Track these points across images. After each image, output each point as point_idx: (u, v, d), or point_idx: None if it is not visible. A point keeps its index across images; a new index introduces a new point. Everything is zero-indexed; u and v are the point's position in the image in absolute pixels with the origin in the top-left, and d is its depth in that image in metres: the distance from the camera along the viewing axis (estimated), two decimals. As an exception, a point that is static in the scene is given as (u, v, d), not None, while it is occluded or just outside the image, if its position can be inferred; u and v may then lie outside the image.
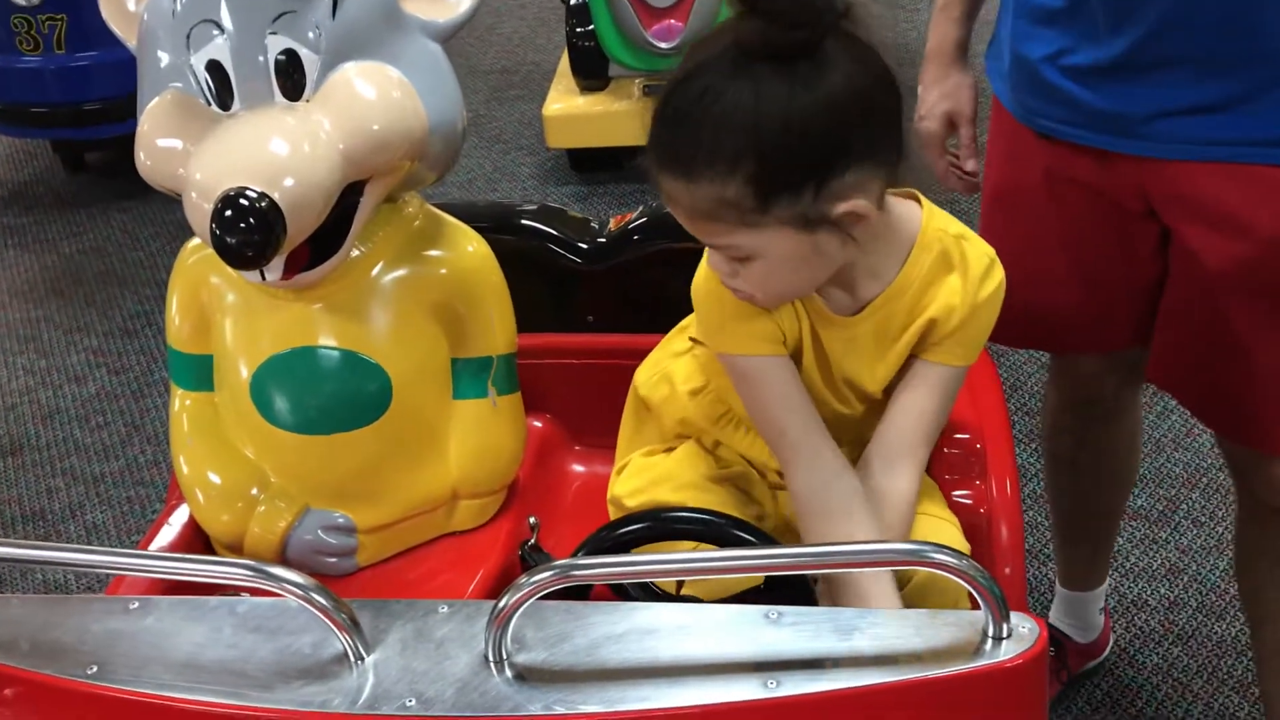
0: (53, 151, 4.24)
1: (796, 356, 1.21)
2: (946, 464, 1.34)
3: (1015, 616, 0.83)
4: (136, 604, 0.94)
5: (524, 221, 1.63)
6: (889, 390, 1.23)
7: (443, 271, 1.32)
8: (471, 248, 1.35)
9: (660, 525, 1.05)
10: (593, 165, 3.74)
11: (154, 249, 3.71)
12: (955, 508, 1.30)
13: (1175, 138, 1.31)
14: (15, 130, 4.05)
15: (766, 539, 1.04)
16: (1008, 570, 1.27)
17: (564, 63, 3.86)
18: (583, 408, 1.57)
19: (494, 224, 1.53)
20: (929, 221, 1.18)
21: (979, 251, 1.19)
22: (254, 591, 0.94)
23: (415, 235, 1.31)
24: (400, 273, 1.29)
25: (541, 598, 0.85)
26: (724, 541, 1.03)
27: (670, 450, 1.33)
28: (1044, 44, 1.36)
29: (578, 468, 1.61)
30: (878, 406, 1.24)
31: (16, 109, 3.90)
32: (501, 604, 0.85)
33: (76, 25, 3.71)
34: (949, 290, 1.17)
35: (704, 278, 1.18)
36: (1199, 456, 2.47)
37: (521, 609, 0.84)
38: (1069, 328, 1.55)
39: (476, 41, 5.02)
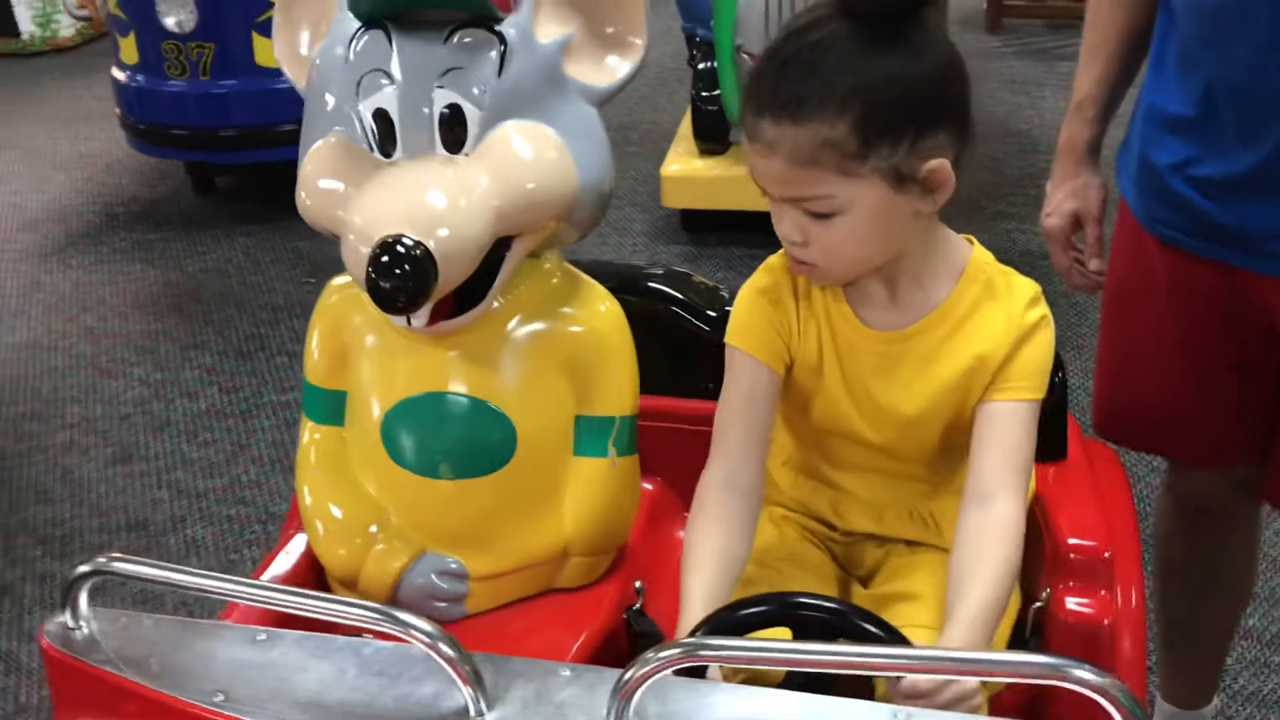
0: (185, 172, 4.41)
1: (816, 375, 1.22)
2: (1070, 570, 1.30)
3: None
4: (264, 635, 0.95)
5: (651, 284, 1.64)
6: (949, 438, 1.22)
7: (576, 329, 1.33)
8: (604, 307, 1.36)
9: (785, 610, 1.03)
10: (704, 227, 3.77)
11: (273, 274, 3.82)
12: (1074, 617, 1.26)
13: None
14: (153, 150, 4.23)
15: (894, 633, 1.02)
16: (1128, 685, 1.22)
17: (685, 125, 3.91)
18: (695, 474, 1.56)
19: (621, 284, 1.55)
20: (978, 255, 1.22)
21: (1023, 283, 1.21)
22: (378, 634, 0.95)
23: (553, 291, 1.33)
24: (535, 327, 1.31)
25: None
26: (849, 633, 1.01)
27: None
28: (1171, 152, 1.36)
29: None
30: (914, 438, 1.23)
31: (157, 129, 4.08)
32: (627, 676, 0.84)
33: (223, 54, 3.88)
34: (993, 320, 1.18)
35: (752, 283, 1.25)
36: (1317, 578, 2.36)
37: (648, 683, 0.84)
38: (1185, 436, 1.52)
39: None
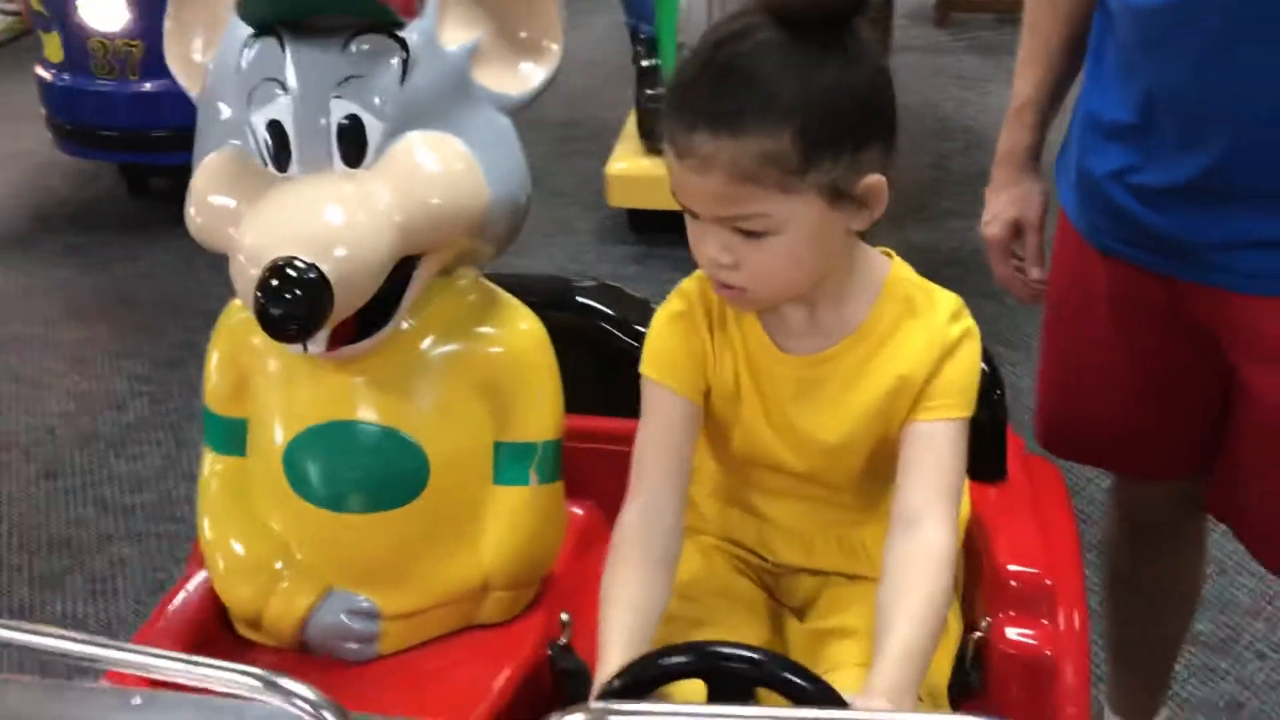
0: (118, 174, 4.28)
1: (734, 403, 1.17)
2: (1010, 599, 1.25)
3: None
4: (139, 699, 0.88)
5: (580, 299, 1.57)
6: (874, 465, 1.17)
7: (493, 350, 1.27)
8: (525, 326, 1.29)
9: (705, 660, 0.97)
10: (652, 226, 3.71)
11: (207, 279, 3.71)
12: (1015, 647, 1.21)
13: (1242, 270, 1.24)
14: (83, 151, 4.10)
15: (819, 684, 0.96)
16: (1071, 713, 1.18)
17: (631, 123, 3.85)
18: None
19: (548, 298, 1.48)
20: (897, 271, 1.16)
21: (945, 297, 1.16)
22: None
23: (467, 310, 1.26)
24: (449, 349, 1.24)
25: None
26: (773, 685, 0.95)
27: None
28: (1110, 159, 1.31)
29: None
30: (839, 465, 1.18)
31: (86, 130, 3.95)
32: None
33: (153, 53, 3.75)
34: (914, 338, 1.12)
35: (666, 309, 1.19)
36: (1264, 583, 2.34)
37: None
38: (1131, 449, 1.48)
39: (543, 94, 5.04)
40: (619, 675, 0.98)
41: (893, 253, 1.18)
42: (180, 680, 0.83)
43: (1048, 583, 1.24)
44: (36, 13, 3.98)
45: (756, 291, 1.08)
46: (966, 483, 1.28)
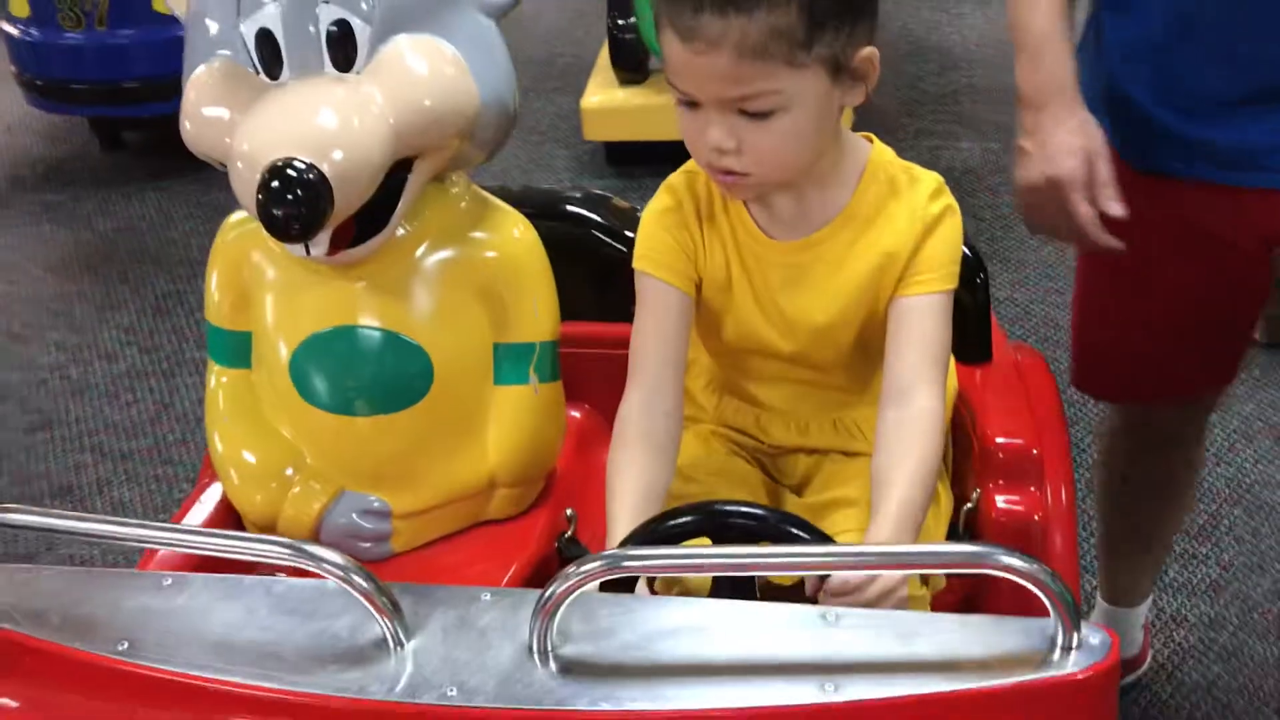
0: (90, 129, 4.25)
1: (725, 289, 1.20)
2: (998, 469, 1.29)
3: (1085, 627, 0.79)
4: (170, 580, 0.91)
5: (568, 208, 1.60)
6: (863, 341, 1.20)
7: (489, 254, 1.29)
8: (518, 232, 1.32)
9: (710, 519, 1.01)
10: (629, 159, 3.71)
11: (187, 229, 3.71)
12: (1005, 515, 1.26)
13: None
14: (54, 106, 4.06)
15: (818, 534, 1.01)
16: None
17: (603, 55, 3.84)
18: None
19: (538, 209, 1.50)
20: (878, 154, 1.19)
21: (926, 175, 1.18)
22: (291, 571, 0.91)
23: (462, 216, 1.28)
24: (445, 254, 1.27)
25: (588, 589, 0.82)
26: (774, 538, 1.00)
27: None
28: (1150, 81, 1.30)
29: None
30: (829, 346, 1.21)
31: (56, 85, 3.91)
32: (548, 593, 0.81)
33: (119, 3, 3.72)
34: (897, 217, 1.16)
35: (654, 204, 1.21)
36: (1242, 472, 2.41)
37: (569, 600, 0.81)
38: (1170, 377, 1.48)
39: (516, 33, 5.00)
40: (627, 539, 1.02)
41: (873, 136, 1.21)
42: (212, 552, 0.86)
43: (1034, 453, 1.29)
44: (-2, -35, 3.92)
45: (760, 174, 1.10)
46: (953, 363, 1.33)
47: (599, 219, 1.59)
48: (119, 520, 0.88)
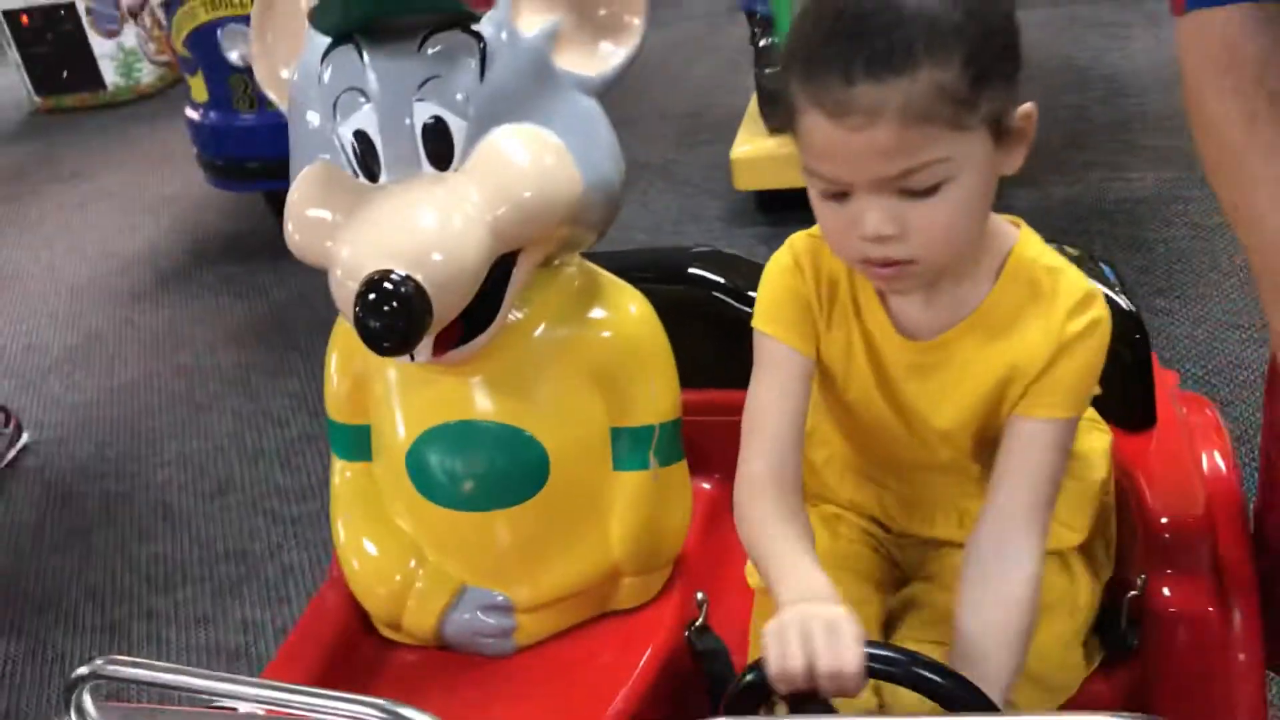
0: (265, 204, 4.47)
1: (845, 366, 1.10)
2: (1165, 553, 1.17)
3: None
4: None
5: (692, 269, 1.53)
6: (984, 445, 1.09)
7: (604, 335, 1.25)
8: (634, 308, 1.27)
9: (955, 686, 0.91)
10: (780, 206, 3.65)
11: (354, 296, 3.84)
12: (1174, 605, 1.13)
13: None
14: (229, 184, 4.29)
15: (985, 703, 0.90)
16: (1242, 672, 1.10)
17: (752, 105, 3.80)
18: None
19: (660, 272, 1.46)
20: (1023, 249, 1.05)
21: (1073, 285, 1.03)
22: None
23: (574, 297, 1.25)
24: (558, 337, 1.23)
25: None
26: (953, 704, 0.89)
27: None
28: None
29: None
30: (950, 444, 1.10)
31: (233, 164, 4.13)
32: None
33: (286, 83, 3.90)
34: (1032, 329, 1.02)
35: (777, 261, 1.12)
36: None
37: None
38: None
39: (667, 86, 5.03)
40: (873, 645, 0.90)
41: (1021, 222, 1.08)
42: (301, 712, 0.84)
43: (1206, 534, 1.15)
44: (183, 57, 4.18)
45: (928, 259, 0.97)
46: (1111, 431, 1.21)
47: (722, 279, 1.52)
48: (210, 674, 0.87)
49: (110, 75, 6.42)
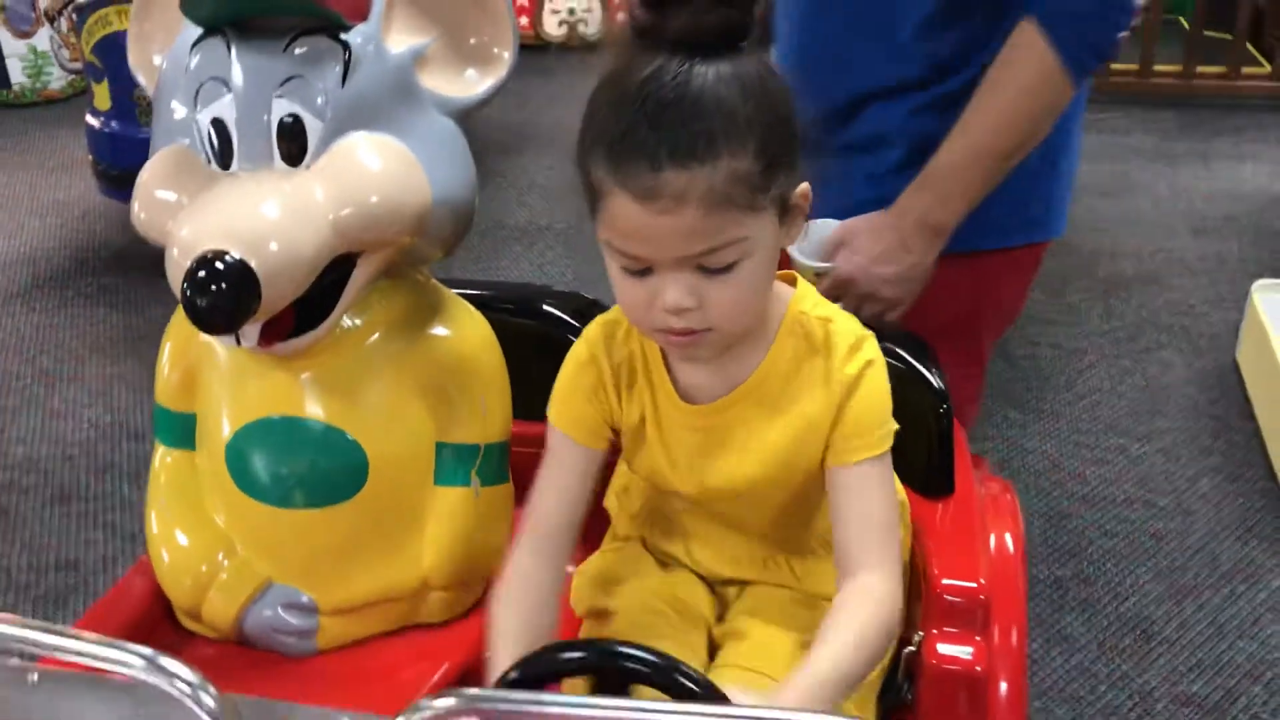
0: (157, 219, 4.42)
1: (640, 440, 1.16)
2: (942, 613, 1.23)
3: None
4: (36, 676, 0.89)
5: (547, 307, 1.57)
6: (780, 496, 1.15)
7: (440, 351, 1.28)
8: (471, 328, 1.30)
9: (600, 659, 0.95)
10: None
11: (233, 319, 3.80)
12: (945, 662, 1.19)
13: None
14: (126, 196, 4.21)
15: (711, 690, 0.94)
16: None
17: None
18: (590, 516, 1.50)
19: (519, 306, 1.50)
20: (798, 303, 1.12)
21: (844, 330, 1.11)
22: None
23: (414, 311, 1.28)
24: (394, 347, 1.26)
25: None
26: (668, 688, 0.94)
27: (619, 548, 1.29)
28: None
29: (571, 567, 1.54)
30: (750, 506, 1.16)
31: (128, 175, 4.07)
32: None
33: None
34: (814, 382, 1.09)
35: (573, 355, 1.17)
36: (1266, 648, 2.28)
37: None
38: None
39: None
40: (513, 668, 0.97)
41: (797, 276, 1.16)
42: (69, 658, 0.84)
43: (982, 597, 1.22)
44: (90, 63, 4.15)
45: (725, 327, 1.03)
46: (907, 505, 1.28)
47: (578, 322, 1.57)
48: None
49: (17, 76, 6.30)
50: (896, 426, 1.10)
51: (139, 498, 2.96)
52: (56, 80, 6.58)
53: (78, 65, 6.49)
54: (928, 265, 1.51)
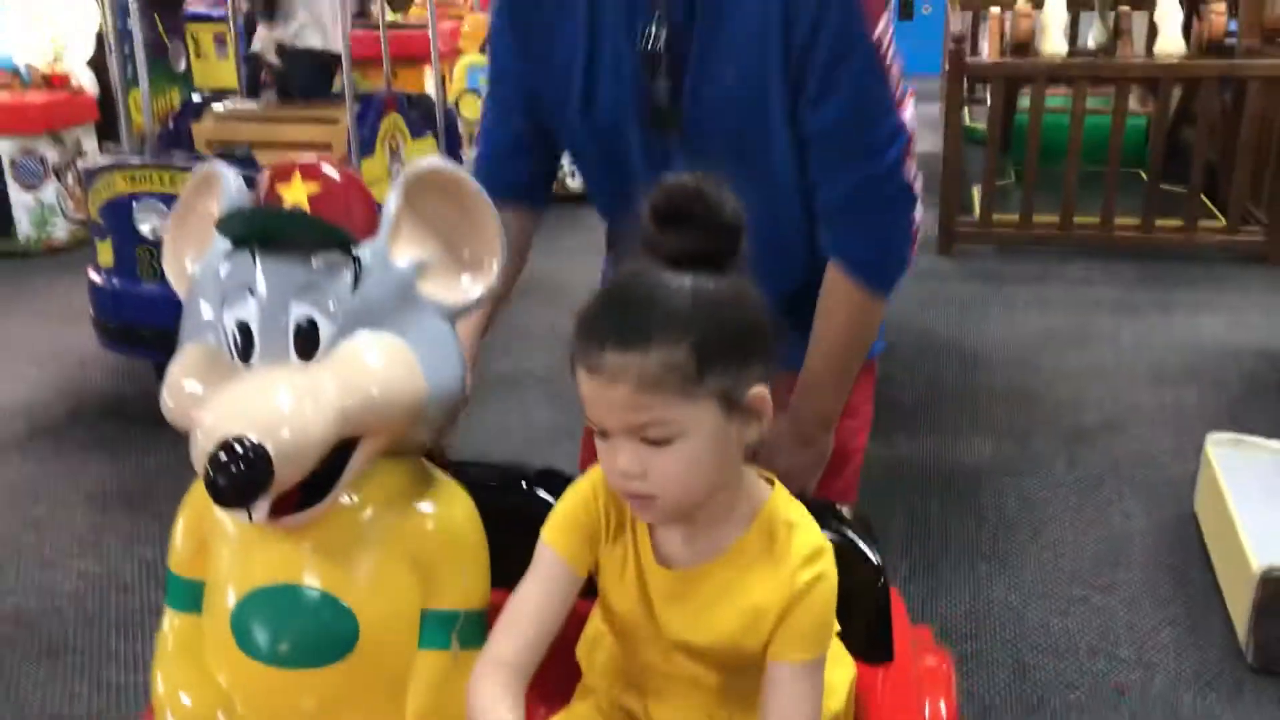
0: (153, 371, 4.56)
1: (619, 580, 1.30)
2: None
3: None
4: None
5: (526, 485, 1.71)
6: (730, 664, 1.27)
7: (428, 526, 1.41)
8: (456, 505, 1.44)
9: None
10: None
11: (223, 471, 3.89)
12: None
13: None
14: (125, 349, 4.39)
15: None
16: None
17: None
18: (558, 667, 1.61)
19: (502, 484, 1.64)
20: (772, 505, 1.28)
21: (804, 541, 1.26)
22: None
23: (406, 489, 1.42)
24: (386, 521, 1.39)
25: None
26: None
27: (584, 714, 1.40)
28: None
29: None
30: (703, 661, 1.28)
31: (128, 330, 4.25)
32: None
33: (192, 262, 4.07)
34: (766, 578, 1.24)
35: (576, 487, 1.33)
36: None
37: None
38: None
39: (565, 305, 5.31)
40: None
41: (774, 479, 1.32)
42: None
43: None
44: (94, 223, 4.36)
45: (666, 497, 1.21)
46: (853, 663, 1.40)
47: (549, 497, 1.70)
48: None
49: (24, 227, 6.54)
50: (837, 629, 1.25)
51: (125, 650, 3.03)
52: (60, 231, 6.82)
53: (81, 217, 6.74)
54: (826, 451, 1.79)
